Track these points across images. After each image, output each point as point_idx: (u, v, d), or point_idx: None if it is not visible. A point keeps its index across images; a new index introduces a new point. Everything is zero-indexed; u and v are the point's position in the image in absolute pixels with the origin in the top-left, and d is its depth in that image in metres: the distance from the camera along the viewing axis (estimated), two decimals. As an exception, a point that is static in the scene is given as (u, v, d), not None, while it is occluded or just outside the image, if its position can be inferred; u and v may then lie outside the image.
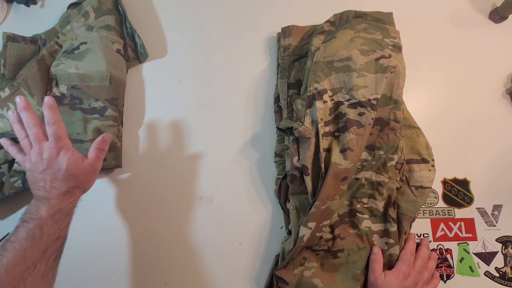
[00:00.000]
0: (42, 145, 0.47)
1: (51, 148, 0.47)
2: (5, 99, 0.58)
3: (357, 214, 0.55)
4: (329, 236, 0.54)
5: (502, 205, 0.59)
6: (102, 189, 0.62)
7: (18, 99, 0.47)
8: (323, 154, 0.52)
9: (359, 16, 0.61)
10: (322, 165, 0.52)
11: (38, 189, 0.46)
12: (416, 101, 0.62)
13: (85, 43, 0.61)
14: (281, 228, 0.59)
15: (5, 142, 0.51)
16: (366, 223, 0.55)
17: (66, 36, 0.63)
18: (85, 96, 0.59)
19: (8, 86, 0.59)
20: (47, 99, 0.47)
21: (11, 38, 0.60)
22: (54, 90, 0.59)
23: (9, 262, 0.40)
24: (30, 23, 0.69)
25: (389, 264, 0.53)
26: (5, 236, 0.60)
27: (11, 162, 0.58)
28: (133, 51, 0.65)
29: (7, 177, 0.57)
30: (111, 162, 0.60)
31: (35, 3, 0.70)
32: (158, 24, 0.68)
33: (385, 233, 0.54)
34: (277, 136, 0.61)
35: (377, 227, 0.55)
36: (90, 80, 0.59)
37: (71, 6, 0.65)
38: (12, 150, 0.51)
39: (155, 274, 0.59)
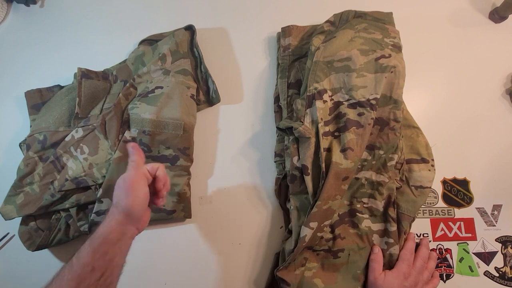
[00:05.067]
0: None
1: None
2: (79, 140, 0.57)
3: (357, 214, 0.55)
4: (330, 236, 0.55)
5: (501, 205, 0.59)
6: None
7: (131, 148, 0.48)
8: (323, 154, 0.52)
9: (359, 16, 0.61)
10: (323, 165, 0.52)
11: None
12: (416, 101, 0.62)
13: (161, 87, 0.58)
14: (281, 228, 0.59)
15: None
16: (366, 223, 0.55)
17: (142, 79, 0.60)
18: (154, 143, 0.57)
19: (81, 127, 0.57)
20: (162, 168, 0.48)
21: (85, 75, 0.59)
22: (126, 133, 0.57)
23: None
24: (29, 22, 0.69)
25: (389, 264, 0.53)
26: (4, 236, 0.60)
27: (81, 206, 0.57)
28: (204, 95, 0.63)
29: (74, 220, 0.56)
30: (180, 213, 0.58)
31: (34, 2, 0.70)
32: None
33: (385, 233, 0.54)
34: (277, 136, 0.61)
35: (377, 226, 0.55)
36: (163, 127, 0.56)
37: (144, 42, 0.64)
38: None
39: (155, 274, 0.59)
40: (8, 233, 0.60)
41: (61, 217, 0.57)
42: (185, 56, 0.62)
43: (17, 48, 0.69)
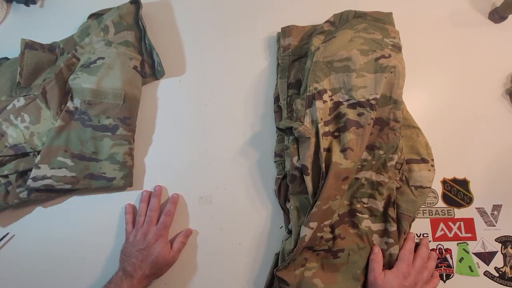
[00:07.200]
0: (150, 228, 0.56)
1: (155, 234, 0.55)
2: (20, 108, 0.58)
3: (357, 214, 0.55)
4: (330, 236, 0.55)
5: (501, 205, 0.59)
6: (105, 191, 0.61)
7: (157, 187, 0.59)
8: (323, 154, 0.52)
9: (359, 16, 0.61)
10: (323, 165, 0.52)
11: (129, 263, 0.54)
12: (416, 101, 0.62)
13: (103, 58, 0.59)
14: (281, 228, 0.59)
15: (128, 208, 0.59)
16: (366, 223, 0.55)
17: (84, 49, 0.61)
18: (94, 113, 0.58)
19: (23, 96, 0.58)
20: (175, 195, 0.59)
21: (29, 46, 0.59)
22: (69, 104, 0.58)
23: None
24: (29, 22, 0.69)
25: (389, 264, 0.54)
26: (4, 236, 0.60)
27: (20, 173, 0.57)
28: (150, 68, 0.64)
29: (13, 187, 0.57)
30: (120, 181, 0.58)
31: (34, 3, 0.70)
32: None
33: (385, 233, 0.54)
34: (277, 136, 0.61)
35: (377, 226, 0.55)
36: (103, 96, 0.58)
37: (92, 16, 0.65)
38: (127, 218, 0.59)
39: (155, 274, 0.59)
40: (8, 233, 0.60)
41: (0, 184, 0.57)
42: (128, 28, 0.62)
43: (17, 48, 0.69)
